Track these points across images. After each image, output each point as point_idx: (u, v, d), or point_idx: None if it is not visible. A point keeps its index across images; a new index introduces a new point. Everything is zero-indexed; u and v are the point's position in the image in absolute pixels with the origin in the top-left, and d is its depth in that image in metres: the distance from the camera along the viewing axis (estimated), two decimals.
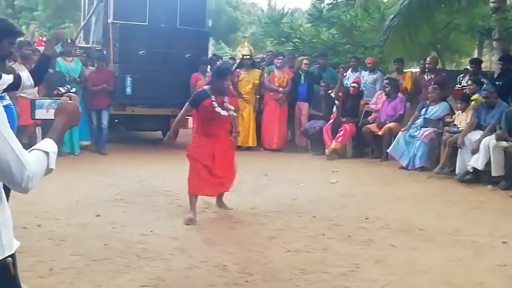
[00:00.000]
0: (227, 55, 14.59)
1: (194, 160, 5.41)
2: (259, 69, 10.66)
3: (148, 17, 9.35)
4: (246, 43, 14.46)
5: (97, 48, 10.06)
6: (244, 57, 11.03)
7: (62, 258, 4.16)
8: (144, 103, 9.54)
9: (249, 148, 10.11)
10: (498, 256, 4.48)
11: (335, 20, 13.01)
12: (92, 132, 9.36)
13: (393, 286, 3.83)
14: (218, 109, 5.35)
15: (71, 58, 9.11)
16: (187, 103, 5.53)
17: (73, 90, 8.58)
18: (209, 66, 10.09)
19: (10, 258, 1.78)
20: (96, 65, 9.49)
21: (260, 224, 5.34)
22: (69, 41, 9.56)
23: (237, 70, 10.45)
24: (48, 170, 1.82)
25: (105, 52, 9.57)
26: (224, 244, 4.68)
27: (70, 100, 1.99)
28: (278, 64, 10.28)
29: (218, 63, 10.59)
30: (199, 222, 5.30)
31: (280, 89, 10.16)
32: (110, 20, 9.35)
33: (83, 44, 10.77)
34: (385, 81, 9.79)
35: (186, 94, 9.51)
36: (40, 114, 2.00)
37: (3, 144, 1.66)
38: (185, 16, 9.66)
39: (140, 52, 9.05)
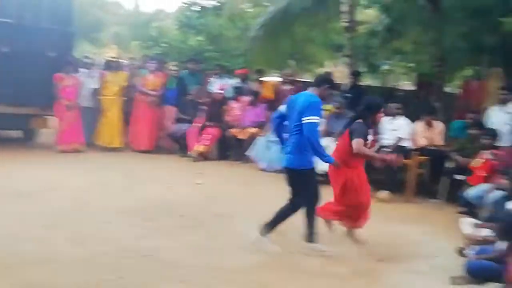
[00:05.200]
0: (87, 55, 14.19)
1: None
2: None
3: (11, 14, 9.01)
4: (113, 46, 14.34)
5: None
6: (111, 59, 11.01)
7: None
8: (4, 101, 9.15)
9: (114, 149, 10.14)
10: None
11: (203, 28, 13.45)
12: None
13: None
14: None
15: None
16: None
17: None
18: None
19: None
20: None
21: (129, 225, 5.50)
22: None
23: (103, 71, 10.47)
24: None
25: None
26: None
27: None
28: (151, 68, 10.46)
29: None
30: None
31: (153, 92, 10.34)
32: None
33: None
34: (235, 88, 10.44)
35: (49, 93, 9.40)
36: None
37: None
38: (51, 15, 9.48)
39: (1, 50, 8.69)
